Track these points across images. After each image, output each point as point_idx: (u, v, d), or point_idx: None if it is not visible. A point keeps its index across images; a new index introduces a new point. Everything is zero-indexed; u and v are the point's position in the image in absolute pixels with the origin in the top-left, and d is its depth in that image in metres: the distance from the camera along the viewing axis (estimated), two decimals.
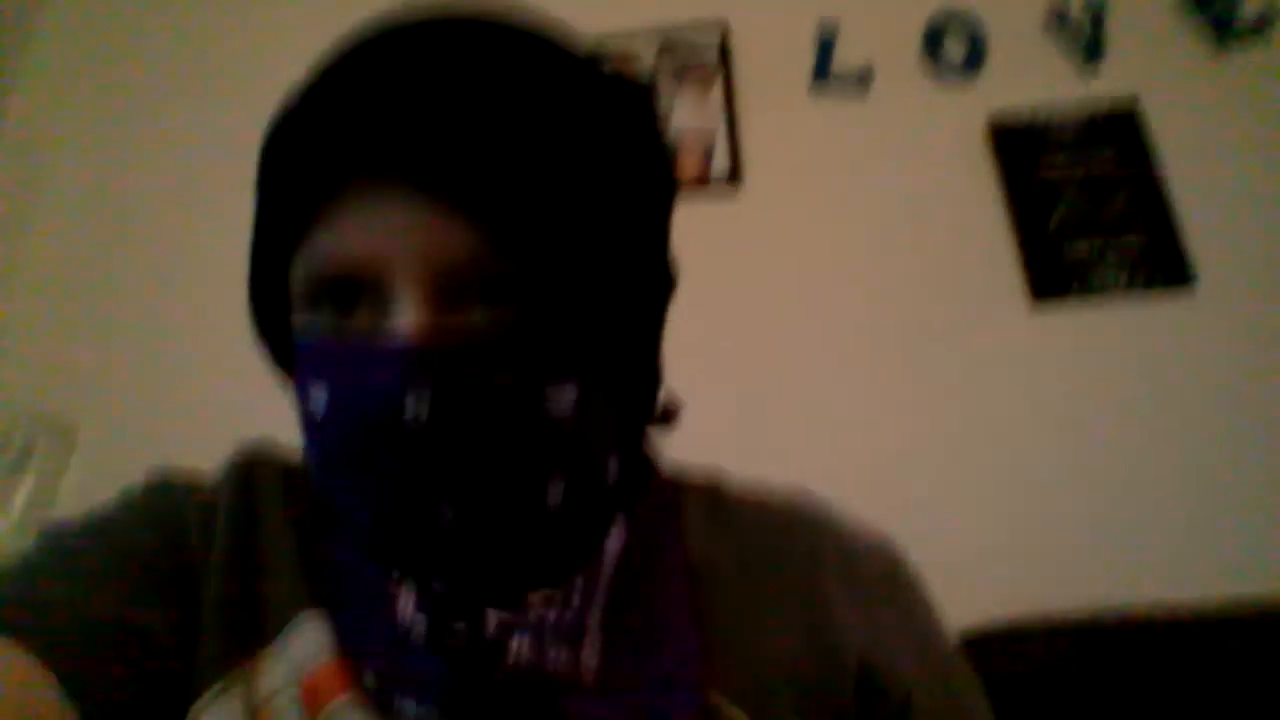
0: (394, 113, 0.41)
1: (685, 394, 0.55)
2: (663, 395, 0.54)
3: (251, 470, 0.53)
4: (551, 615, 0.45)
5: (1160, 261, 1.30)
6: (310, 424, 0.45)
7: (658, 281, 0.51)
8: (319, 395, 0.43)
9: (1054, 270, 1.32)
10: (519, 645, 0.43)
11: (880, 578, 0.54)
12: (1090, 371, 1.27)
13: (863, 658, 0.49)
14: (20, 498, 1.32)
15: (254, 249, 0.48)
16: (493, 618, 0.44)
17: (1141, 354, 1.26)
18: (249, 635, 0.46)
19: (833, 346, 1.34)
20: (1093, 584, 1.04)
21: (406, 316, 0.41)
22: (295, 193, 0.43)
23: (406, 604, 0.44)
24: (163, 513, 0.50)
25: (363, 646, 0.44)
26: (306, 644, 0.45)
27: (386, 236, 0.41)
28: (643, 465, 0.54)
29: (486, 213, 0.40)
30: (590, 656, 0.44)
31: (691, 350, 0.61)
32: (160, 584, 0.46)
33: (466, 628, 0.43)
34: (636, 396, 0.51)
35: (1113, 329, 1.29)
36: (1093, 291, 1.30)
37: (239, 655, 0.45)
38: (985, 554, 1.12)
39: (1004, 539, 1.16)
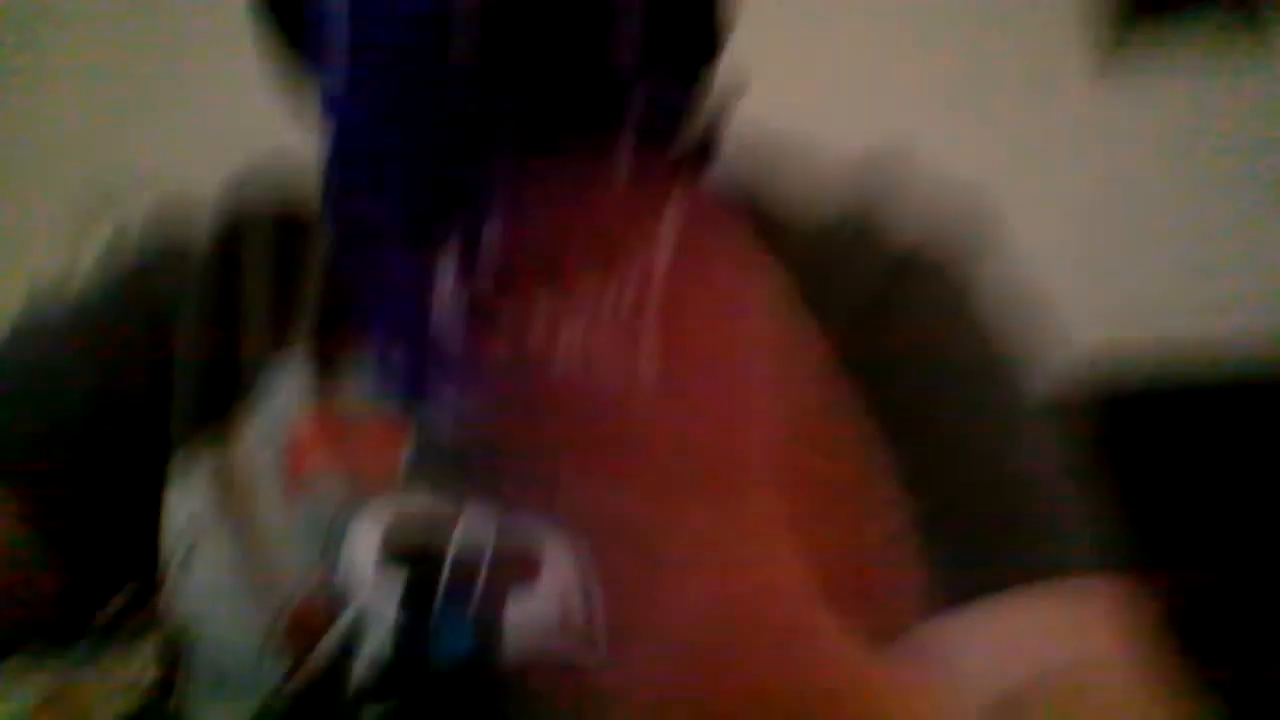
0: None
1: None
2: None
3: (238, 211, 0.47)
4: (606, 303, 0.39)
5: None
6: (335, 90, 0.39)
7: None
8: (341, 36, 0.37)
9: None
10: (569, 336, 0.37)
11: (927, 312, 0.45)
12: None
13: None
14: None
15: None
16: (542, 301, 0.37)
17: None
18: (223, 391, 0.41)
19: None
20: None
21: None
22: None
23: (443, 292, 0.38)
24: (143, 288, 0.45)
25: (382, 370, 0.39)
26: (291, 392, 0.40)
27: None
28: (705, 145, 0.48)
29: None
30: (648, 357, 0.37)
31: None
32: (139, 360, 0.43)
33: (512, 314, 0.38)
34: (698, 56, 0.45)
35: None
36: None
37: (213, 415, 0.41)
38: None
39: None
